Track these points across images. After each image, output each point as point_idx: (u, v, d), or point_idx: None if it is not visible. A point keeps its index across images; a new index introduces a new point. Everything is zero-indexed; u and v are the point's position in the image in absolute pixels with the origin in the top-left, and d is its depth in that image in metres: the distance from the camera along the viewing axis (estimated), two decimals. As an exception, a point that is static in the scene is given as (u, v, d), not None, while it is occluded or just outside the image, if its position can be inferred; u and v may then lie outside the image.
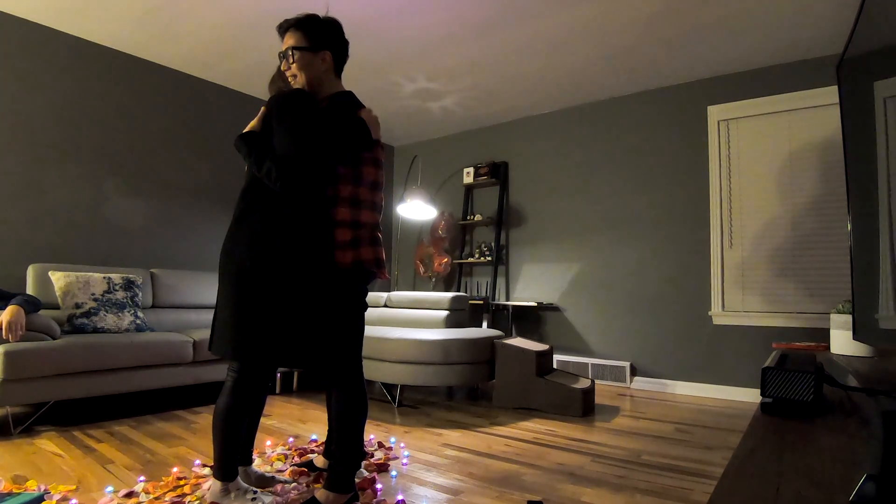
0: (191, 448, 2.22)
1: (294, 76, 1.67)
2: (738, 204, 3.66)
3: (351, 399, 1.61)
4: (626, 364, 3.95)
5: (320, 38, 1.65)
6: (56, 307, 2.85)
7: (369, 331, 3.30)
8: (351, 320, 1.63)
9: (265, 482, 1.77)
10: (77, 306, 2.80)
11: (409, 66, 3.75)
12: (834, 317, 2.05)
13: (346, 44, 1.74)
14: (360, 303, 1.68)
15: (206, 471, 1.90)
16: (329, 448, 1.92)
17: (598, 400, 3.40)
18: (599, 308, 4.19)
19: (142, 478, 1.80)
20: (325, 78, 1.69)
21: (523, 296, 4.64)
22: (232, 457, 1.59)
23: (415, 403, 3.26)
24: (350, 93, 1.72)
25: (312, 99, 1.61)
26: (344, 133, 1.57)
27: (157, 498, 1.64)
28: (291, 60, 1.64)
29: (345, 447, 1.59)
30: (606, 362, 4.04)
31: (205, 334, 3.01)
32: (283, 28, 1.67)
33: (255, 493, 1.59)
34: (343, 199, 1.63)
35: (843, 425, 0.90)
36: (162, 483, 1.76)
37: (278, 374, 3.52)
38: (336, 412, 1.61)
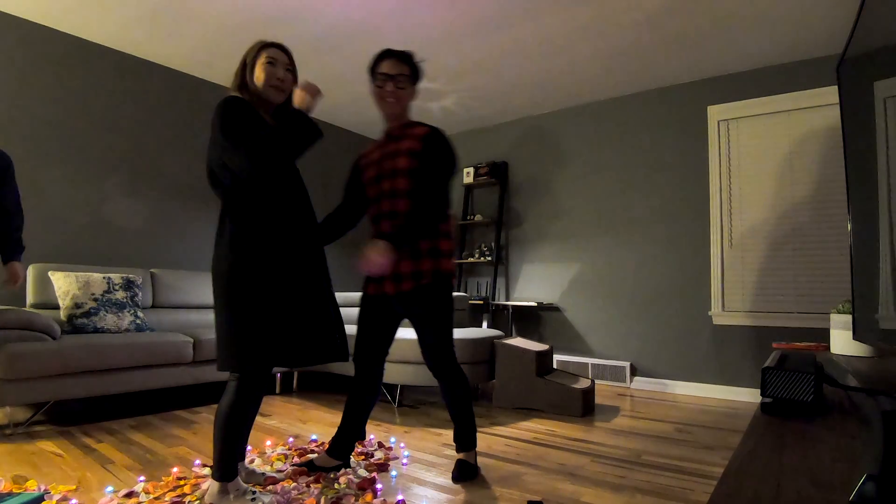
0: (191, 448, 2.22)
1: (397, 99, 1.90)
2: (738, 204, 3.66)
3: (461, 384, 1.96)
4: (626, 364, 3.95)
5: (417, 74, 1.98)
6: (56, 307, 2.85)
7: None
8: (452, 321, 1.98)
9: (254, 478, 1.79)
10: (77, 306, 2.80)
11: (409, 66, 3.74)
12: (834, 317, 2.05)
13: None
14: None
15: (206, 471, 1.90)
16: (337, 447, 1.95)
17: (598, 400, 3.40)
18: (599, 308, 4.19)
19: (142, 478, 1.80)
20: (408, 110, 1.99)
21: (523, 296, 4.64)
22: (232, 458, 1.59)
23: (415, 403, 3.26)
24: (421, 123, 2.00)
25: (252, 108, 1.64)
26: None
27: (157, 498, 1.64)
28: (399, 86, 1.89)
29: (465, 417, 1.97)
30: (606, 362, 4.04)
31: (204, 334, 3.01)
32: (386, 55, 1.92)
33: (253, 493, 1.60)
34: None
35: (843, 425, 0.90)
36: (162, 483, 1.76)
37: (278, 375, 3.52)
38: (450, 396, 1.96)
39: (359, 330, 1.98)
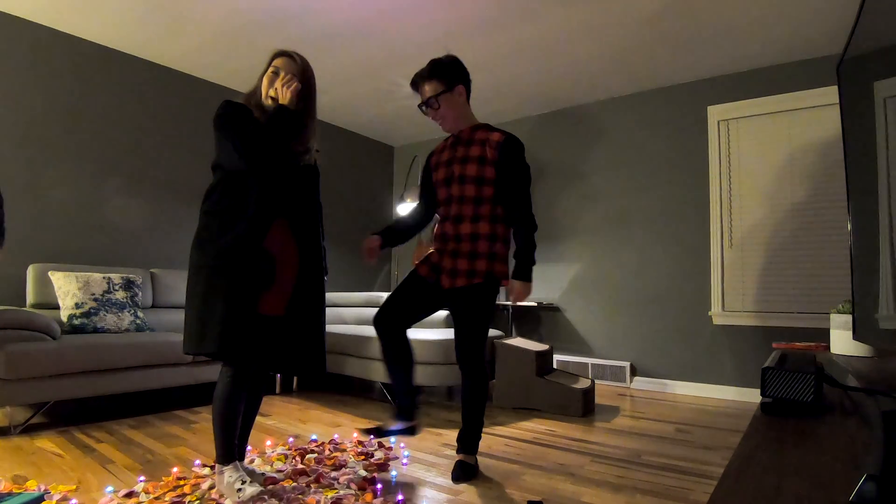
0: (191, 448, 2.22)
1: (442, 119, 1.95)
2: (738, 204, 3.66)
3: (482, 384, 1.97)
4: (626, 364, 3.95)
5: (452, 78, 1.95)
6: (56, 307, 2.85)
7: (369, 330, 3.30)
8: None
9: (254, 478, 1.79)
10: (77, 306, 2.80)
11: (409, 66, 3.72)
12: (834, 317, 2.05)
13: (469, 74, 2.03)
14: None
15: (206, 471, 1.90)
16: (404, 410, 1.98)
17: (598, 400, 3.40)
18: (599, 308, 4.19)
19: (142, 478, 1.80)
20: (466, 110, 2.01)
21: (523, 296, 4.63)
22: (227, 441, 1.63)
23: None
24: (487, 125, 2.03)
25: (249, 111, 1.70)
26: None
27: (157, 498, 1.64)
28: (435, 107, 1.91)
29: (475, 419, 1.98)
30: (606, 362, 4.04)
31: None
32: (413, 83, 1.97)
33: (243, 482, 1.61)
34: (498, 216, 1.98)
35: (843, 425, 0.90)
36: (162, 483, 1.77)
37: (278, 375, 3.52)
38: (468, 394, 1.97)
39: (394, 295, 2.00)
